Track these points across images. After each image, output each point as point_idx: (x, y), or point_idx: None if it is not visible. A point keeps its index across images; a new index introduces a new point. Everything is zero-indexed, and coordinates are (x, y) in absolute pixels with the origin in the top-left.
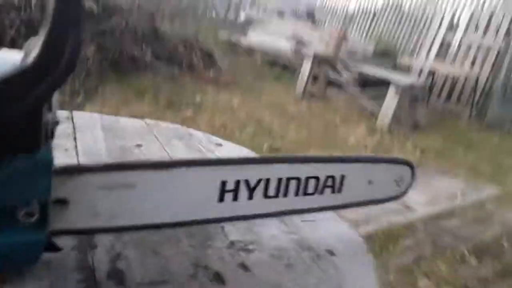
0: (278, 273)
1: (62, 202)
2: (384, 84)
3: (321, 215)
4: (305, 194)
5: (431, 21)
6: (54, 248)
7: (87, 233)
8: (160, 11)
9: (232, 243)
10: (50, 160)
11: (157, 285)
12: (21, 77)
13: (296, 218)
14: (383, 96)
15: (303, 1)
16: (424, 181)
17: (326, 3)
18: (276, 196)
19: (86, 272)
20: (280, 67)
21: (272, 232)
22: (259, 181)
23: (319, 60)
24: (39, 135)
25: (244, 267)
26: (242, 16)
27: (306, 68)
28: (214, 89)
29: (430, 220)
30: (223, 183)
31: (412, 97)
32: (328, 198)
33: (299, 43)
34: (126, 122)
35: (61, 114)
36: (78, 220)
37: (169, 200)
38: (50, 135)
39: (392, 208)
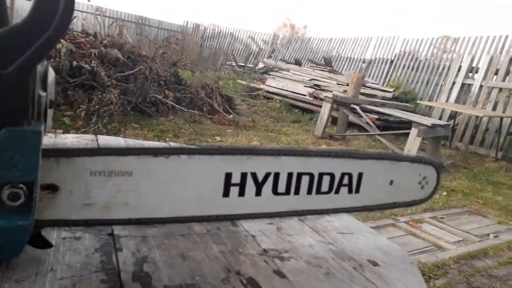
0: (318, 280)
1: (52, 189)
2: (403, 127)
3: (358, 227)
4: (319, 192)
5: (449, 66)
6: (45, 244)
7: (78, 225)
8: (182, 59)
9: (265, 251)
10: (39, 135)
11: None
12: (9, 37)
13: (332, 230)
14: (403, 138)
15: (320, 49)
16: (454, 222)
17: (343, 52)
18: (287, 193)
19: (110, 273)
20: (298, 111)
21: (307, 241)
22: (267, 175)
23: (338, 103)
24: (28, 106)
25: (279, 273)
26: (261, 64)
27: (325, 111)
28: (234, 131)
29: (463, 260)
30: (228, 176)
31: (434, 138)
32: (344, 198)
33: (317, 88)
34: (150, 144)
35: (86, 137)
36: (69, 210)
37: (168, 192)
38: (43, 115)
39: (422, 247)
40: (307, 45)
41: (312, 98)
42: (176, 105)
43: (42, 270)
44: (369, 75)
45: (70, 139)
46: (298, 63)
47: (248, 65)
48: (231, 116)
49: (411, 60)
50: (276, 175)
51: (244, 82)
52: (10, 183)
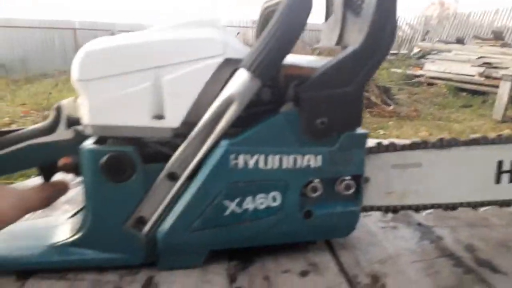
0: None
1: (365, 180)
2: None
3: None
4: None
5: None
6: None
7: (382, 210)
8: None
9: None
10: (366, 137)
11: None
12: (351, 60)
13: None
14: None
15: (484, 23)
16: None
17: None
18: None
19: (456, 258)
20: (467, 94)
21: None
22: None
23: None
24: (362, 112)
25: None
26: (416, 49)
27: (504, 90)
28: (396, 123)
29: None
30: (500, 163)
31: None
32: None
33: (489, 66)
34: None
35: None
36: (376, 198)
37: (450, 180)
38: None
39: None
40: (467, 20)
41: (483, 78)
42: None
43: (391, 253)
44: None
45: None
46: (460, 41)
47: (401, 51)
48: (391, 107)
49: None
50: None
51: (399, 70)
52: (342, 177)
